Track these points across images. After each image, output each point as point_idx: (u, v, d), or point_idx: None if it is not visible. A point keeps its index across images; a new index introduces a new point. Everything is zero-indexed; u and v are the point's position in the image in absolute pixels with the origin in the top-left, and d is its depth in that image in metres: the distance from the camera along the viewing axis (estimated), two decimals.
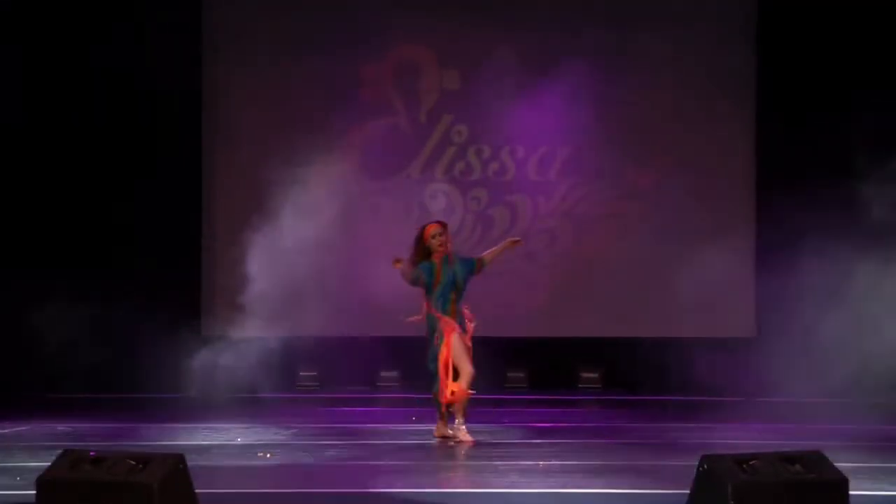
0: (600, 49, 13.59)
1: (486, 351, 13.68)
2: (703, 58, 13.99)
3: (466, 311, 10.04)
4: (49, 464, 6.50)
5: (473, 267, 10.08)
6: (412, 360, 13.58)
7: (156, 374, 12.44)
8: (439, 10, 14.21)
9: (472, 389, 9.86)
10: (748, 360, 12.75)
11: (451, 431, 10.03)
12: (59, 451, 6.53)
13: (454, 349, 9.84)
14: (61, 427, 10.97)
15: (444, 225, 10.15)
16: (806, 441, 9.82)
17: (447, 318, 9.89)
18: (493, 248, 10.39)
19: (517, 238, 10.43)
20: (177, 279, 13.28)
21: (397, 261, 10.00)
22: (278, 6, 14.23)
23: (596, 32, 13.64)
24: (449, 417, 10.07)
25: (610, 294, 13.85)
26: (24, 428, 10.91)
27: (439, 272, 9.94)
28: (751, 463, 6.24)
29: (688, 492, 6.53)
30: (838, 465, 6.46)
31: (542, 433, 11.00)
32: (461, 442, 9.85)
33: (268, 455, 9.38)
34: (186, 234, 13.86)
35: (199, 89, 14.12)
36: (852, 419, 11.51)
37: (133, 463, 6.22)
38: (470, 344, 9.96)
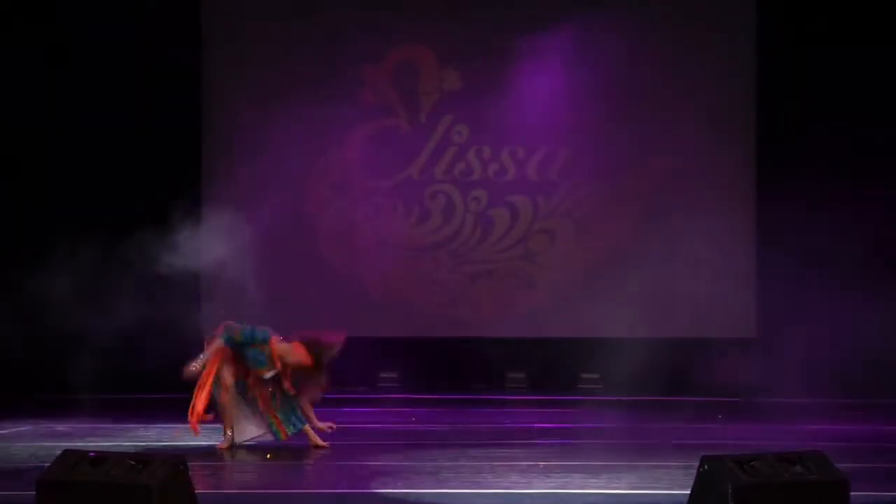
0: (601, 50, 13.56)
1: (486, 351, 13.75)
2: (703, 59, 13.97)
3: None
4: (49, 464, 6.50)
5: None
6: (412, 360, 13.63)
7: (156, 374, 12.40)
8: (439, 11, 14.19)
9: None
10: (748, 360, 12.73)
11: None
12: (59, 452, 6.53)
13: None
14: (61, 427, 10.96)
15: None
16: (807, 442, 9.83)
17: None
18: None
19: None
20: (177, 279, 13.24)
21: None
22: (278, 6, 14.21)
23: (596, 33, 13.62)
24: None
25: (610, 294, 13.81)
26: (24, 428, 10.90)
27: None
28: (751, 464, 6.24)
29: (688, 492, 6.53)
30: (839, 465, 6.46)
31: (541, 433, 11.00)
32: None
33: (268, 455, 9.38)
34: (185, 237, 13.84)
35: (198, 89, 14.10)
36: (853, 419, 11.50)
37: (133, 464, 6.21)
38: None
